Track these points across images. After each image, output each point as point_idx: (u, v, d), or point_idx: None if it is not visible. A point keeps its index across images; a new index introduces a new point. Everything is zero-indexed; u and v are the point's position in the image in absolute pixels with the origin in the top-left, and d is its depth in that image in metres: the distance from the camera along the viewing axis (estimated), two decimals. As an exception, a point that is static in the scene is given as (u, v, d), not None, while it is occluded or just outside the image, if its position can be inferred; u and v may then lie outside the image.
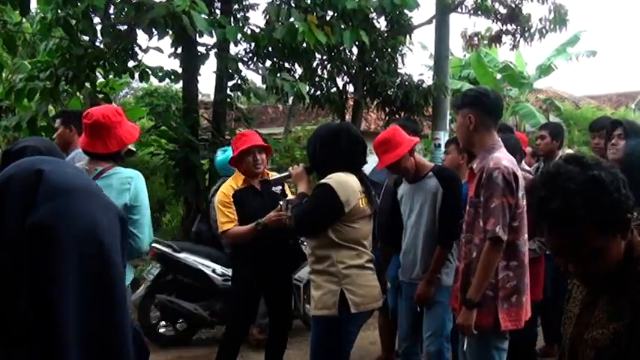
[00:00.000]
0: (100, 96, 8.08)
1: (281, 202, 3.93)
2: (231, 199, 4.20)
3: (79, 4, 6.31)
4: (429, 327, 3.82)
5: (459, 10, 10.86)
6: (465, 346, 3.16)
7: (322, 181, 3.24)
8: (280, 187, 4.34)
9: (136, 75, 7.98)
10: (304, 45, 7.22)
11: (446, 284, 3.74)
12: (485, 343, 3.10)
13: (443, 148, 9.62)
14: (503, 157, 3.09)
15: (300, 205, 3.32)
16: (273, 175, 4.36)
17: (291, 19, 6.79)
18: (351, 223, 3.20)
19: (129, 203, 3.29)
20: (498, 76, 16.83)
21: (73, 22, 6.75)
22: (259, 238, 4.10)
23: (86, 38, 7.25)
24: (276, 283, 4.35)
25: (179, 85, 9.55)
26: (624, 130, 3.78)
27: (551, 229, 1.50)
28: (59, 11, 6.70)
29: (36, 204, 0.98)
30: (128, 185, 3.33)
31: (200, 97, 18.42)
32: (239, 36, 7.22)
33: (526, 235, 3.15)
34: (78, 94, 7.76)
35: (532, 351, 4.21)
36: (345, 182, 3.20)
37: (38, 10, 8.00)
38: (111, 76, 8.57)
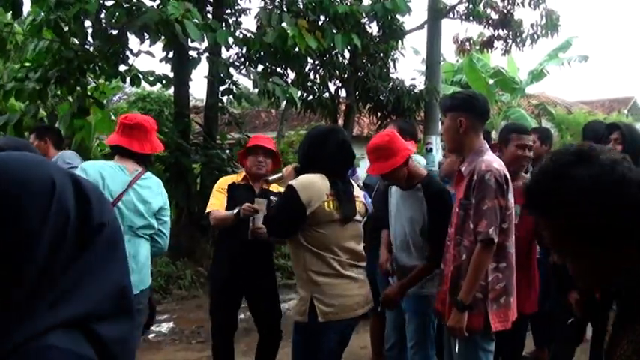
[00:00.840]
0: (91, 100, 8.05)
1: (256, 199, 4.03)
2: (226, 189, 4.30)
3: (70, 7, 6.29)
4: (412, 336, 3.77)
5: (451, 15, 10.92)
6: (457, 347, 3.15)
7: (289, 182, 3.23)
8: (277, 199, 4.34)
9: (129, 79, 7.96)
10: (296, 49, 7.22)
11: (426, 293, 3.68)
12: (473, 345, 3.10)
13: (435, 153, 9.68)
14: (494, 160, 3.11)
15: (273, 206, 3.32)
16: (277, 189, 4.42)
17: (283, 24, 6.79)
18: (318, 227, 3.12)
19: (163, 206, 3.63)
20: (490, 81, 16.89)
21: (64, 24, 6.72)
22: (239, 244, 4.14)
23: (77, 41, 7.22)
24: (258, 290, 4.33)
25: (172, 90, 9.54)
26: (621, 134, 3.73)
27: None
28: (50, 14, 6.67)
29: None
30: (162, 189, 3.68)
31: (194, 102, 18.43)
32: (230, 40, 7.21)
33: (513, 237, 3.16)
34: (70, 97, 7.69)
35: (519, 355, 4.18)
36: (308, 183, 3.14)
37: (30, 12, 7.97)
38: (102, 80, 8.54)
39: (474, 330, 3.05)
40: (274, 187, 4.30)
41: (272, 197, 4.15)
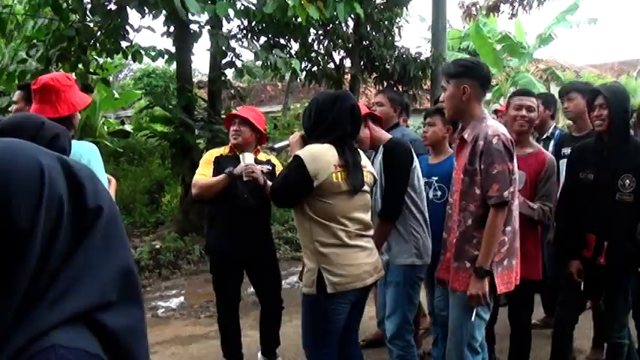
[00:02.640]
0: (95, 77, 7.99)
1: (246, 159, 4.00)
2: (212, 160, 4.25)
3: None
4: (388, 308, 3.72)
5: (456, -21, 10.72)
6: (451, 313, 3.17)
7: (295, 152, 3.15)
8: (270, 167, 4.32)
9: (130, 56, 7.89)
10: (299, 20, 7.11)
11: (399, 263, 3.64)
12: (469, 310, 3.09)
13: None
14: (499, 125, 3.13)
15: (279, 175, 3.26)
16: (264, 156, 4.42)
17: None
18: (325, 198, 3.03)
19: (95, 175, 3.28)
20: (498, 46, 16.66)
21: (62, 1, 6.65)
22: (234, 215, 4.11)
23: (76, 17, 7.14)
24: (257, 262, 4.29)
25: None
26: (605, 98, 3.63)
27: None
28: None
29: None
30: (93, 155, 3.23)
31: (200, 76, 18.35)
32: (231, 12, 7.10)
33: (517, 201, 3.19)
34: (73, 75, 7.64)
35: (528, 322, 4.17)
36: (316, 154, 3.05)
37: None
38: (102, 59, 8.47)
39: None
40: (263, 156, 4.36)
41: (264, 166, 4.17)
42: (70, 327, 0.86)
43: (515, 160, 3.09)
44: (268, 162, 4.35)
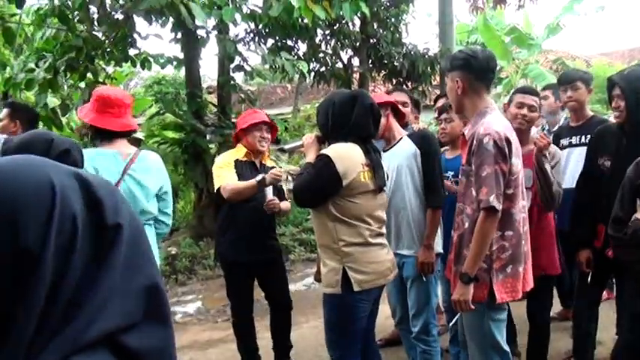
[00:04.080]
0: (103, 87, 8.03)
1: (269, 193, 4.00)
2: (232, 164, 4.18)
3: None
4: (412, 305, 3.75)
5: (461, -27, 10.68)
6: (459, 319, 3.09)
7: (322, 151, 3.11)
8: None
9: (139, 63, 7.93)
10: (305, 21, 7.11)
11: (414, 257, 3.68)
12: (479, 316, 2.95)
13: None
14: (494, 122, 2.89)
15: (300, 175, 3.20)
16: (271, 162, 4.44)
17: (289, -4, 6.67)
18: (351, 197, 3.04)
19: (164, 185, 3.51)
20: (506, 39, 16.53)
21: (69, 12, 6.69)
22: (244, 219, 4.11)
23: (83, 27, 7.18)
24: (265, 265, 4.29)
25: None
26: (621, 88, 3.55)
27: None
28: (55, 1, 6.63)
29: None
30: (161, 166, 3.50)
31: (209, 81, 18.40)
32: (237, 17, 7.12)
33: (522, 202, 2.96)
34: (82, 84, 7.67)
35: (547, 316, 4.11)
36: (345, 153, 3.04)
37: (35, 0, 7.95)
38: (110, 68, 8.50)
39: (478, 302, 2.89)
40: (270, 162, 4.40)
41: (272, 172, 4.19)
42: (91, 353, 0.81)
43: (515, 159, 2.89)
44: (273, 168, 4.36)
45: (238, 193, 4.02)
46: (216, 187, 4.15)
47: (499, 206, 2.77)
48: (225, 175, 4.11)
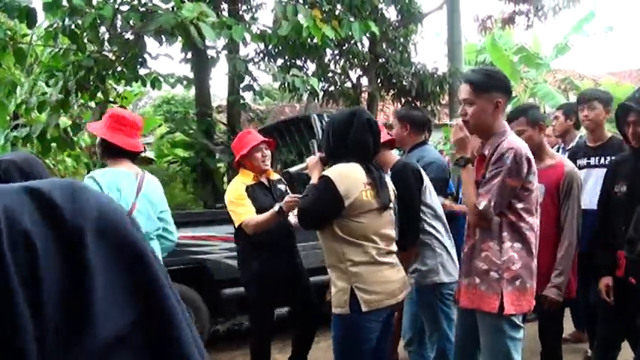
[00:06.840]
0: (114, 106, 8.07)
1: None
2: (245, 194, 4.17)
3: (85, 14, 6.29)
4: (428, 329, 3.77)
5: (470, -7, 10.73)
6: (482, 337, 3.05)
7: (324, 172, 3.12)
8: (284, 187, 4.38)
9: (149, 83, 7.96)
10: (314, 41, 7.14)
11: (427, 283, 3.64)
12: (499, 333, 2.93)
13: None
14: (517, 140, 2.98)
15: (305, 197, 3.20)
16: (275, 175, 4.50)
17: (299, 16, 6.71)
18: (356, 217, 3.01)
19: (164, 204, 3.59)
20: (515, 58, 16.55)
21: (79, 31, 6.73)
22: (270, 237, 4.11)
23: (93, 47, 7.23)
24: (293, 281, 4.31)
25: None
26: (637, 114, 3.48)
27: None
28: (65, 20, 6.69)
29: None
30: (160, 186, 3.60)
31: (219, 101, 18.50)
32: (247, 37, 7.16)
33: (534, 220, 2.96)
34: (93, 104, 7.71)
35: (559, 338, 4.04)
36: (345, 173, 3.03)
37: (45, 19, 8.01)
38: (120, 88, 8.56)
39: (489, 312, 2.90)
40: (274, 175, 4.46)
41: (278, 186, 4.30)
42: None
43: (531, 177, 2.93)
44: (280, 181, 4.43)
45: (261, 227, 4.04)
46: (236, 224, 4.14)
47: (490, 215, 2.84)
48: (241, 210, 4.11)
